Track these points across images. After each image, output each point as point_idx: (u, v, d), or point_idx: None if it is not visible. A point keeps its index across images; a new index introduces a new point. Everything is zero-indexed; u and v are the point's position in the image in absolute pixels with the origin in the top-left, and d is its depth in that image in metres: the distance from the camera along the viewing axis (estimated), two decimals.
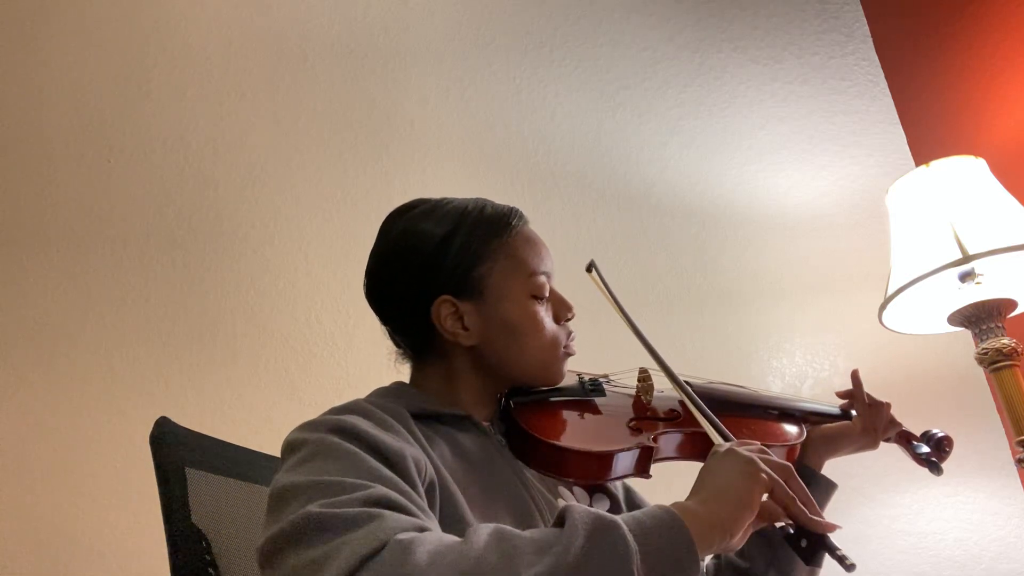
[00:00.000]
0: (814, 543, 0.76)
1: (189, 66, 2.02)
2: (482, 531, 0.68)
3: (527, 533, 0.68)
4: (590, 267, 1.06)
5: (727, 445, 0.82)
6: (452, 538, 0.68)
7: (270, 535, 0.70)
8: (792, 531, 0.78)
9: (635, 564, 0.66)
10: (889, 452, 1.23)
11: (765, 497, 0.77)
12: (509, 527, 0.69)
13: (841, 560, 0.74)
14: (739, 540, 0.74)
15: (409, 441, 0.83)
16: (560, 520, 0.69)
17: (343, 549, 0.65)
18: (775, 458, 0.80)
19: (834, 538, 0.77)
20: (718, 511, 0.73)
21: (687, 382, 1.03)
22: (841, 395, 1.19)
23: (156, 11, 2.06)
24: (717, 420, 0.91)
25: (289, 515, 0.70)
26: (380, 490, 0.71)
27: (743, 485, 0.75)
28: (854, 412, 1.17)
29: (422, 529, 0.69)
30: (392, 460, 0.77)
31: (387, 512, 0.69)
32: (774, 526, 0.79)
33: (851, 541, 1.83)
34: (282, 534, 0.69)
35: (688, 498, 0.77)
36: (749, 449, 0.81)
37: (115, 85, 1.98)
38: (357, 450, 0.77)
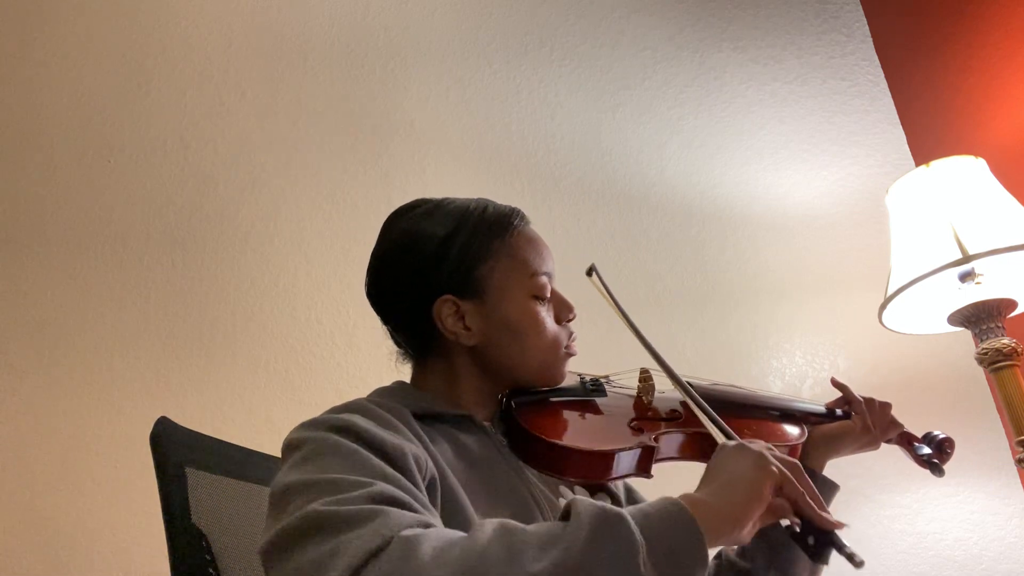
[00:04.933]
0: (822, 540, 0.74)
1: (189, 66, 2.02)
2: (487, 526, 0.68)
3: (532, 527, 0.68)
4: (590, 271, 1.05)
5: (735, 441, 0.82)
6: (457, 533, 0.68)
7: (274, 533, 0.70)
8: (799, 529, 0.77)
9: (641, 558, 0.65)
10: (889, 452, 1.23)
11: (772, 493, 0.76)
12: (514, 522, 0.69)
13: (850, 557, 0.73)
14: (748, 533, 0.73)
15: (410, 439, 0.83)
16: (566, 513, 0.69)
17: (348, 546, 0.65)
18: (783, 454, 0.79)
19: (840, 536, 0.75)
20: (728, 503, 0.72)
21: (688, 383, 1.02)
22: (833, 405, 1.18)
23: (156, 11, 2.06)
24: (721, 420, 0.90)
25: (292, 513, 0.70)
26: (383, 487, 0.71)
27: (754, 477, 0.75)
28: (854, 412, 1.17)
29: (426, 525, 0.68)
30: (393, 457, 0.77)
31: (391, 509, 0.69)
32: (780, 524, 0.78)
33: (851, 541, 1.83)
34: (286, 532, 0.69)
35: (697, 490, 0.76)
36: (757, 445, 0.80)
37: (115, 85, 1.98)
38: (358, 448, 0.77)
